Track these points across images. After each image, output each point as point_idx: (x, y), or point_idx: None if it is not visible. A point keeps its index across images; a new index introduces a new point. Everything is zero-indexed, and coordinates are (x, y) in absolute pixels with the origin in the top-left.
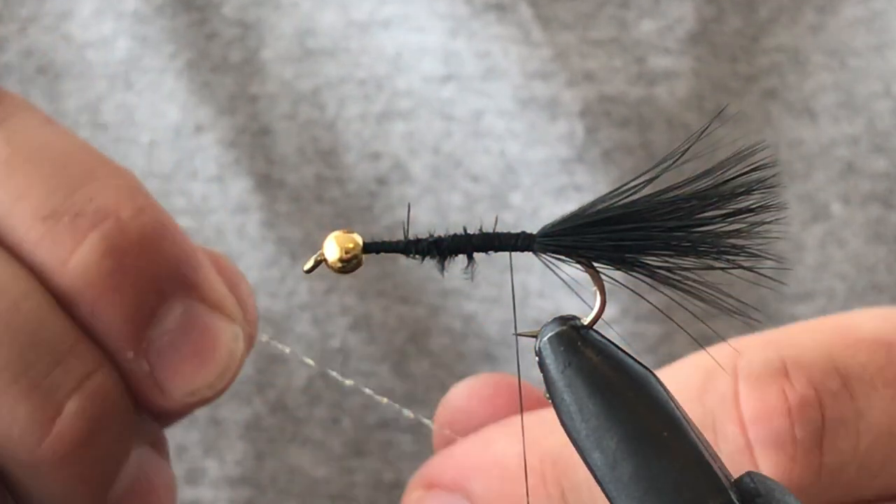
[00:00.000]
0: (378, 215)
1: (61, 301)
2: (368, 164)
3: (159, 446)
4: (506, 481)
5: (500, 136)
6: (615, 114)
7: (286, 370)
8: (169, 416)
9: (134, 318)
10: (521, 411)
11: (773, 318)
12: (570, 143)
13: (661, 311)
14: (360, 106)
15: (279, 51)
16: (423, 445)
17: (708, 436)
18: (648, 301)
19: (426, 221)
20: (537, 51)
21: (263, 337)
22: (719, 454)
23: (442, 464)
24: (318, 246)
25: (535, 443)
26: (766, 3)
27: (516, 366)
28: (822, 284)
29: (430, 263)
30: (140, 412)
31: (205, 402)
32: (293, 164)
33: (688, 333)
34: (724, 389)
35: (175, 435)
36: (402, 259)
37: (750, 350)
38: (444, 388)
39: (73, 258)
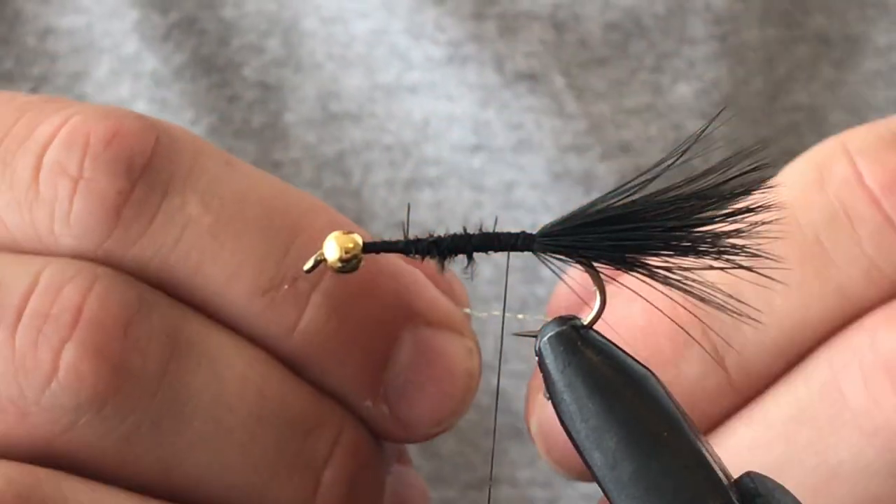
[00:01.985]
0: None
1: (290, 366)
2: (394, 232)
3: (403, 458)
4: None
5: (532, 209)
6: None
7: None
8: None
9: (367, 368)
10: (496, 410)
11: None
12: None
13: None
14: (387, 172)
15: (302, 114)
16: None
17: (841, 224)
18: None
19: None
20: (571, 123)
21: None
22: (859, 239)
23: None
24: None
25: None
26: (784, 59)
27: (497, 370)
28: None
29: None
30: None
31: (449, 428)
32: None
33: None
34: (842, 173)
35: None
36: None
37: (855, 134)
38: (470, 467)
39: (299, 325)
